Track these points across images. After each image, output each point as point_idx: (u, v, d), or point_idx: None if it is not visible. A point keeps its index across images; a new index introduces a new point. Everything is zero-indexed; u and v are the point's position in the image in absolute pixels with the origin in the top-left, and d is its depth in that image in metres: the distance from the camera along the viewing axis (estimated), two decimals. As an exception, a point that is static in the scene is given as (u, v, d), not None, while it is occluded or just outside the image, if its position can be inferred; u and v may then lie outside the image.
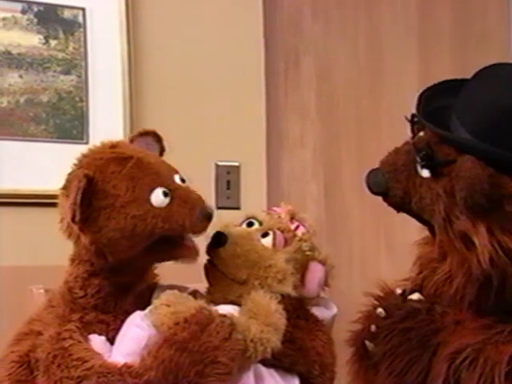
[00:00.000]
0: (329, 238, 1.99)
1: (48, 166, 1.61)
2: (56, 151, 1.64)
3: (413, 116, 1.03)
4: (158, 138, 1.09)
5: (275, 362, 0.99)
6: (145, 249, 0.98)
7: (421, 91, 1.04)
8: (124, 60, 1.70)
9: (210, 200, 1.75)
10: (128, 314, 1.00)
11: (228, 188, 1.86)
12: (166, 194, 0.97)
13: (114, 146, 1.02)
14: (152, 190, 0.97)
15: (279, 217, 1.09)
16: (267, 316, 0.96)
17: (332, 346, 1.06)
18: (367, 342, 1.02)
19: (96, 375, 0.90)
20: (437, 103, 1.02)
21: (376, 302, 1.04)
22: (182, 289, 1.05)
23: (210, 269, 1.06)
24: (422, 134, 1.01)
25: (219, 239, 1.04)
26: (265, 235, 1.06)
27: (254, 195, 1.86)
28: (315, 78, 2.06)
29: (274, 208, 1.12)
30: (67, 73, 1.67)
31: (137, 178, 0.97)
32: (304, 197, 2.02)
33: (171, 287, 1.04)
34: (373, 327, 1.00)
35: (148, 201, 0.96)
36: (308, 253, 1.07)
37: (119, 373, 0.89)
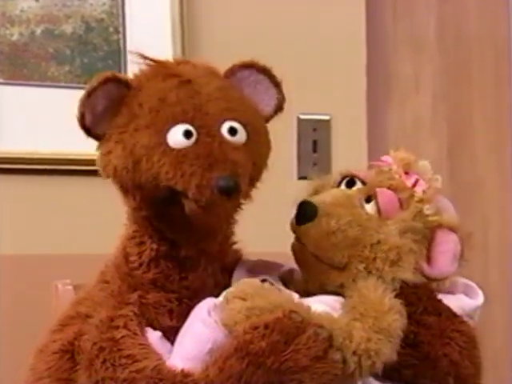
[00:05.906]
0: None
1: (75, 120, 1.62)
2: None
3: None
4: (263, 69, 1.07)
5: (393, 373, 0.97)
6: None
7: None
8: (173, -26, 1.70)
9: (291, 167, 1.85)
10: (197, 296, 1.01)
11: (314, 150, 1.87)
12: (188, 135, 0.97)
13: (179, 62, 1.06)
14: (176, 123, 0.97)
15: (390, 170, 1.07)
16: (377, 318, 0.94)
17: (474, 351, 1.02)
18: None
19: (145, 380, 0.93)
20: None
21: None
22: (273, 267, 1.07)
23: (299, 249, 1.05)
24: None
25: (306, 211, 1.03)
26: (370, 199, 1.04)
27: (349, 159, 1.83)
28: (435, -4, 2.09)
29: (382, 158, 1.09)
30: (97, -6, 1.68)
31: (169, 103, 0.98)
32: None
33: (258, 265, 1.07)
34: None
35: (164, 134, 0.97)
36: (433, 218, 1.03)
37: (173, 382, 0.91)
